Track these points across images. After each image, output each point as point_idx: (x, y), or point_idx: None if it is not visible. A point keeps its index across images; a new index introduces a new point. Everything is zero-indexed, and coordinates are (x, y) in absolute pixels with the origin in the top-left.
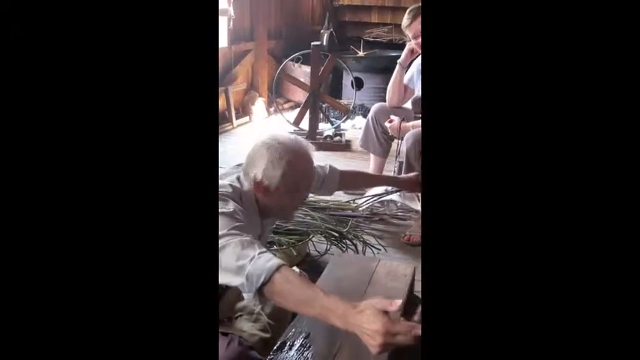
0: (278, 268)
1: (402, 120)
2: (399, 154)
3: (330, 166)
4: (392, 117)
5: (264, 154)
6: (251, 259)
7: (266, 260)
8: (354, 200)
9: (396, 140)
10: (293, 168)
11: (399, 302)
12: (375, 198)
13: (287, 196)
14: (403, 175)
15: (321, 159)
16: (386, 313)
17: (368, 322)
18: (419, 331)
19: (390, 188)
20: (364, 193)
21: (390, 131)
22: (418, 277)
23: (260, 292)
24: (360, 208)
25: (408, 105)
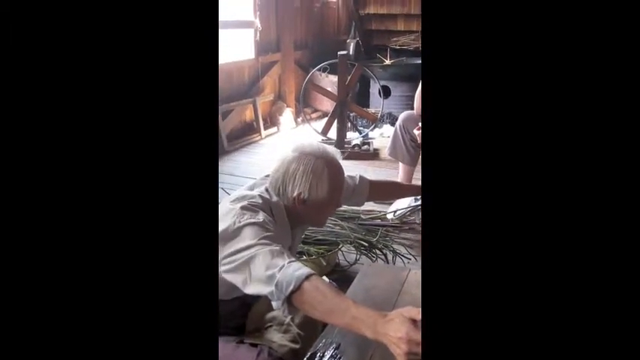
0: (308, 277)
1: None
2: None
3: (360, 176)
4: (420, 125)
5: (303, 170)
6: (280, 268)
7: (295, 269)
8: (393, 212)
9: None
10: (333, 179)
11: None
12: (410, 209)
13: (326, 207)
14: None
15: (349, 168)
16: (414, 321)
17: (394, 331)
18: None
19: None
20: (392, 203)
21: (418, 139)
22: None
23: (289, 301)
24: (389, 217)
25: None
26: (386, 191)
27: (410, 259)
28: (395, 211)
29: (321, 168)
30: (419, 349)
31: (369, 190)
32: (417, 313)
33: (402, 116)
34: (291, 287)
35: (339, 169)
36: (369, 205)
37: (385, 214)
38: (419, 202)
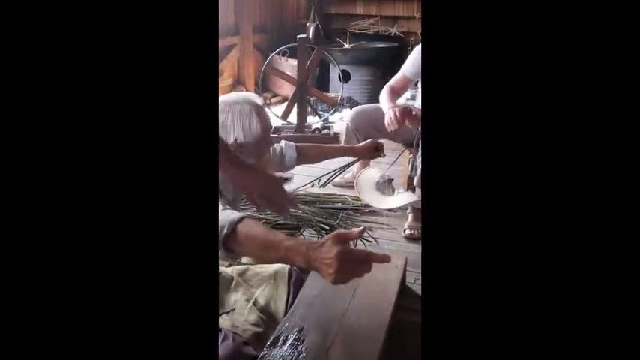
0: (241, 220)
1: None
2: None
3: (285, 142)
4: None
5: (232, 117)
6: None
7: (228, 214)
8: (318, 182)
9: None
10: (261, 116)
11: (359, 229)
12: (333, 173)
13: (262, 147)
14: (358, 145)
15: None
16: (344, 241)
17: (326, 252)
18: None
19: (348, 160)
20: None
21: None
22: (409, 267)
23: (225, 245)
24: (320, 184)
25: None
26: (313, 153)
27: (371, 241)
28: (319, 180)
29: (248, 109)
30: (349, 267)
31: (297, 152)
32: (349, 232)
33: (353, 114)
34: (224, 230)
35: (263, 109)
36: (329, 189)
37: (347, 198)
38: (344, 164)
